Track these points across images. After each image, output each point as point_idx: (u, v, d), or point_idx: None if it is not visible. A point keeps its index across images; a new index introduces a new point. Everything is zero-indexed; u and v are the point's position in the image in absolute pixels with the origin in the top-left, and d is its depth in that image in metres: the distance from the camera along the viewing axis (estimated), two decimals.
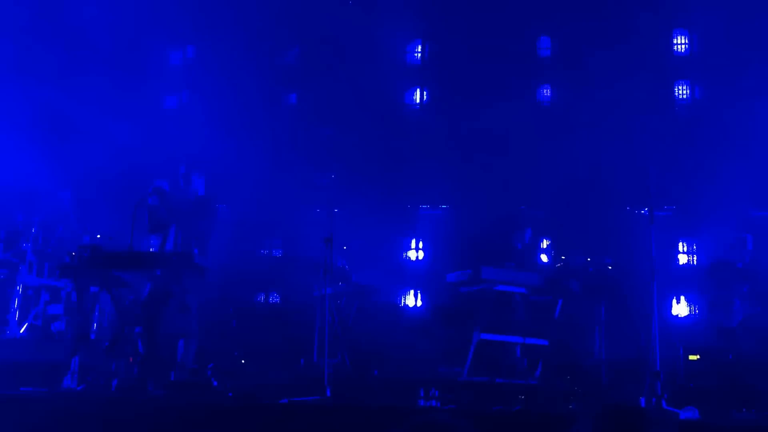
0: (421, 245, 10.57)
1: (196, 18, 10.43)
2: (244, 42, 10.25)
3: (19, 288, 7.51)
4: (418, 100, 10.94)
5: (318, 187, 7.70)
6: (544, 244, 8.53)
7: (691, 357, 7.26)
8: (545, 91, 10.63)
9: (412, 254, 10.57)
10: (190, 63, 11.09)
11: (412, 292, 10.18)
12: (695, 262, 9.86)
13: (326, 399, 5.23)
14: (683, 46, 10.45)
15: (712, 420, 4.83)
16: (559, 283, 7.38)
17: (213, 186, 9.29)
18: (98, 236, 6.52)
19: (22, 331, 7.47)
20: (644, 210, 8.32)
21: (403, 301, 10.08)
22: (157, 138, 9.33)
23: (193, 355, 6.02)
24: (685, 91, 10.39)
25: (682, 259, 9.99)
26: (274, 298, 10.54)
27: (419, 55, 10.98)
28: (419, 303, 10.12)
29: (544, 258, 8.07)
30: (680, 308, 9.44)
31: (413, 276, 10.28)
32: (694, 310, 9.28)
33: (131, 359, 5.81)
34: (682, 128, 9.85)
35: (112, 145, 9.20)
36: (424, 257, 10.51)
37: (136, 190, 6.42)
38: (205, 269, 5.74)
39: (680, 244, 9.98)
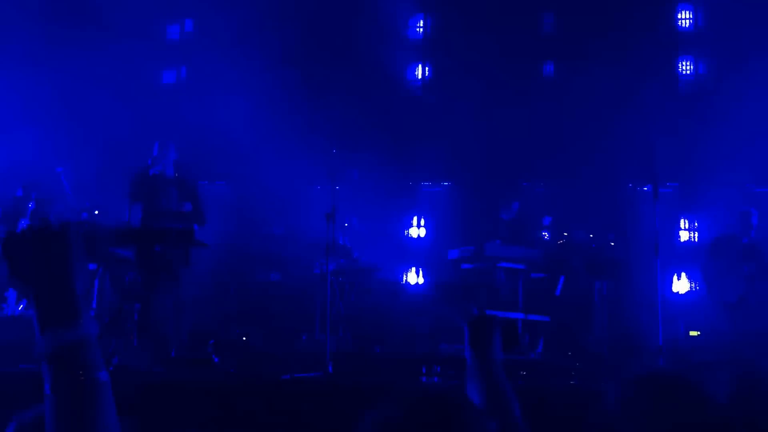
0: (422, 222, 10.53)
1: None
2: (244, 16, 10.12)
3: None
4: (420, 76, 10.84)
5: (319, 163, 7.64)
6: (547, 221, 8.48)
7: (692, 333, 7.26)
8: (548, 66, 10.52)
9: (413, 231, 10.53)
10: (188, 37, 10.96)
11: (413, 269, 10.16)
12: (696, 239, 9.83)
13: (328, 375, 5.23)
14: (687, 21, 10.32)
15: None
16: (561, 259, 7.36)
17: (213, 163, 9.26)
18: (96, 212, 6.49)
19: (20, 308, 7.45)
20: (646, 186, 8.30)
21: (404, 278, 10.07)
22: (155, 113, 9.25)
23: (188, 329, 6.02)
24: (688, 67, 10.28)
25: (684, 235, 9.96)
26: (276, 276, 10.52)
27: (421, 30, 10.86)
28: (421, 280, 10.10)
29: (546, 234, 8.02)
30: (681, 285, 9.42)
31: (415, 253, 10.26)
32: (695, 287, 9.26)
33: (131, 336, 5.80)
34: (685, 104, 9.77)
35: (110, 121, 9.13)
36: (425, 234, 10.48)
37: (134, 165, 6.38)
38: (206, 245, 5.72)
39: (682, 221, 9.94)
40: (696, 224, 9.91)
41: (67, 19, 9.61)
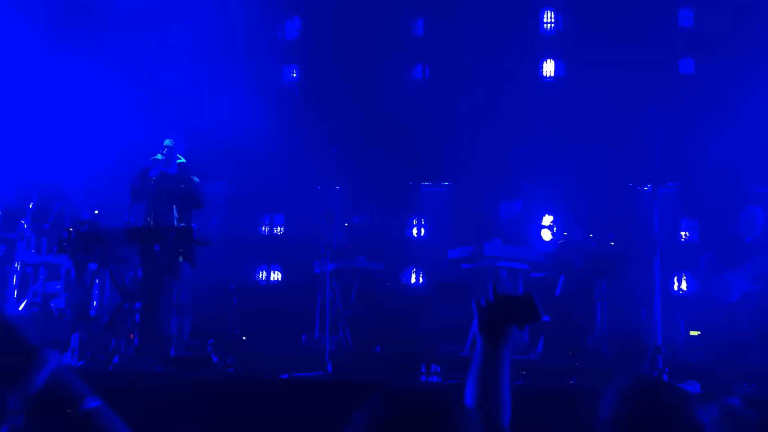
0: (423, 222, 10.53)
1: None
2: (244, 14, 10.12)
3: (17, 265, 7.47)
4: (420, 76, 10.84)
5: (319, 163, 7.66)
6: (547, 220, 8.47)
7: (692, 332, 7.26)
8: (548, 65, 10.52)
9: (413, 231, 10.54)
10: (186, 36, 10.95)
11: (413, 269, 10.16)
12: (697, 239, 9.83)
13: (327, 375, 5.23)
14: (688, 21, 10.33)
15: (713, 394, 4.82)
16: (561, 259, 7.35)
17: (212, 162, 9.26)
18: (96, 212, 6.48)
19: (20, 308, 7.44)
20: (647, 186, 8.29)
21: (404, 278, 10.06)
22: (154, 113, 9.25)
23: (189, 329, 6.02)
24: (689, 67, 10.28)
25: (684, 235, 9.96)
26: (276, 275, 10.53)
27: (421, 29, 10.86)
28: (421, 280, 10.10)
29: (546, 234, 8.01)
30: (681, 284, 9.42)
31: (415, 253, 10.25)
32: (695, 286, 9.26)
33: (131, 335, 5.80)
34: (685, 103, 9.76)
35: (111, 121, 9.13)
36: (426, 234, 10.48)
37: (134, 164, 6.38)
38: (204, 243, 5.71)
39: (682, 221, 9.94)
40: (697, 224, 9.91)
41: (69, 20, 9.61)
